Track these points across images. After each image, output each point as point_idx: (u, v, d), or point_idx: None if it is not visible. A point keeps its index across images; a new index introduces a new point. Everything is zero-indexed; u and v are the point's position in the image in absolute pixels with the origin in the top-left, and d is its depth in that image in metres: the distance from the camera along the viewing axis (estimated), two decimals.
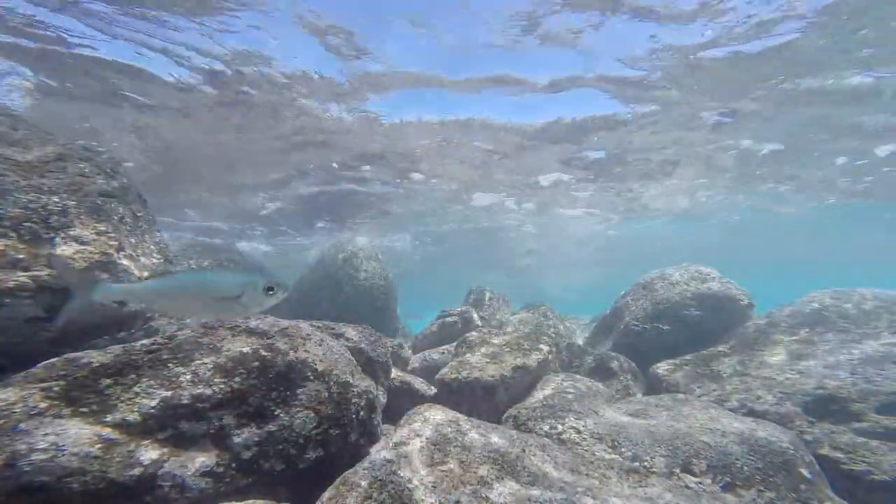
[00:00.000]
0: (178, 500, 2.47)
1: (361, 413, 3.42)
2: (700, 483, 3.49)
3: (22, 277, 3.17)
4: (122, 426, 2.49)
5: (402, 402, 5.10)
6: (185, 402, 2.69)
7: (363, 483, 2.66)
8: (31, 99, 8.10)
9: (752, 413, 5.15)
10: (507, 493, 2.72)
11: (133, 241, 4.30)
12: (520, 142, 10.87)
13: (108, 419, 2.49)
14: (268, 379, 3.02)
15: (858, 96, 8.99)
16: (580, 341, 9.43)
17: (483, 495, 2.66)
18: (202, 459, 2.60)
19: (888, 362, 5.29)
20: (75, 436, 2.35)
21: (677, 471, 3.58)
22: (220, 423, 2.75)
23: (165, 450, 2.53)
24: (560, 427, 4.10)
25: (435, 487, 2.68)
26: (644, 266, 9.96)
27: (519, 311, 11.34)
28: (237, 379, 2.91)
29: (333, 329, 4.65)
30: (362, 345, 4.59)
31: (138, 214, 4.67)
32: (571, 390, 5.27)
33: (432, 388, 5.71)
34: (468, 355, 5.85)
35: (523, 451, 3.31)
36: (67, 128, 8.82)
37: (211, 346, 3.07)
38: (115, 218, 4.16)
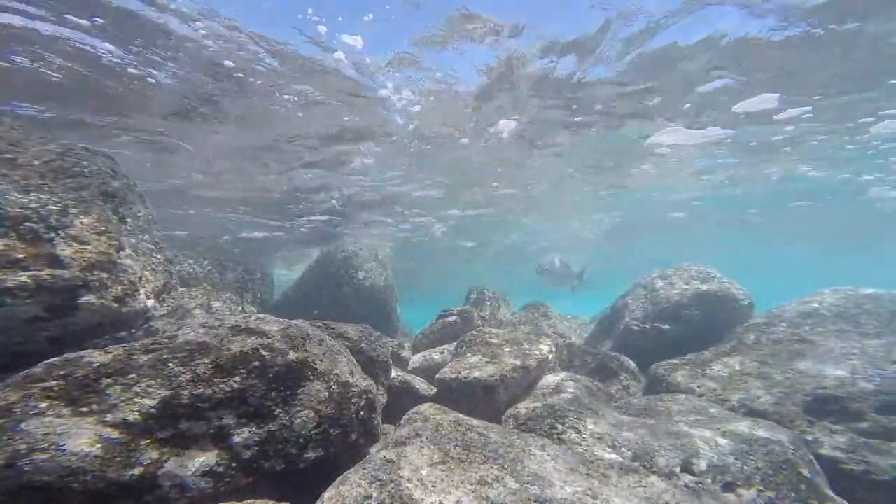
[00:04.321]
0: (178, 499, 2.47)
1: (361, 413, 3.42)
2: (700, 483, 3.49)
3: (22, 277, 3.17)
4: (122, 426, 2.49)
5: (402, 402, 5.10)
6: (185, 401, 2.69)
7: (363, 483, 2.66)
8: None
9: (752, 413, 5.15)
10: (508, 492, 2.72)
11: (133, 240, 4.30)
12: None
13: (108, 419, 2.49)
14: (268, 379, 3.02)
15: None
16: (580, 341, 9.44)
17: (483, 495, 2.66)
18: (202, 459, 2.60)
19: (888, 362, 5.29)
20: (75, 435, 2.35)
21: (677, 470, 3.58)
22: (220, 423, 2.75)
23: (165, 450, 2.53)
24: (560, 427, 4.10)
25: (435, 487, 2.68)
26: None
27: (519, 310, 11.36)
28: (237, 379, 2.91)
29: (333, 329, 4.65)
30: (362, 345, 4.59)
31: (139, 214, 4.67)
32: (571, 390, 5.27)
33: (432, 388, 5.71)
34: (468, 355, 5.85)
35: (523, 450, 3.31)
36: None
37: (211, 346, 3.07)
38: (115, 217, 4.17)
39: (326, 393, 3.20)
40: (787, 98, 9.75)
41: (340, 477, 2.77)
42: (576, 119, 10.57)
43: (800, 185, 16.60)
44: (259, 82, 8.45)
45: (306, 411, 3.05)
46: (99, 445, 2.36)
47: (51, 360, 2.77)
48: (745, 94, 9.57)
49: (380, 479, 2.68)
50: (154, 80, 7.81)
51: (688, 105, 9.99)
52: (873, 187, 16.81)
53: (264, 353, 3.13)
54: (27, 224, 3.39)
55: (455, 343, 6.73)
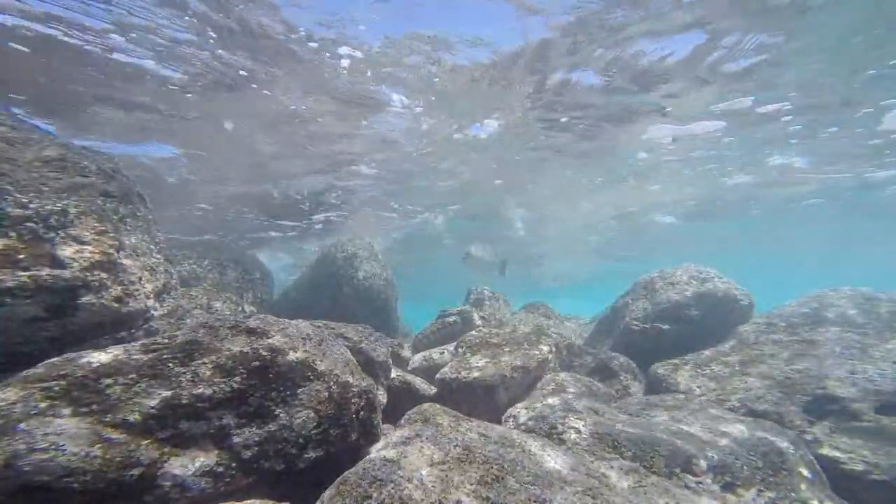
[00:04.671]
0: (179, 499, 2.47)
1: (361, 413, 3.42)
2: (700, 483, 3.49)
3: (22, 277, 3.17)
4: (122, 426, 2.49)
5: (402, 402, 5.10)
6: (185, 401, 2.69)
7: (363, 483, 2.66)
8: None
9: (752, 413, 5.15)
10: (507, 492, 2.72)
11: (133, 240, 4.30)
12: None
13: (108, 419, 2.49)
14: (268, 379, 3.02)
15: None
16: (580, 341, 9.44)
17: (483, 495, 2.66)
18: (202, 459, 2.60)
19: (888, 362, 5.29)
20: (75, 435, 2.35)
21: (677, 470, 3.58)
22: (220, 423, 2.75)
23: (165, 450, 2.53)
24: (560, 427, 4.10)
25: (435, 487, 2.68)
26: None
27: (519, 310, 11.36)
28: (237, 379, 2.91)
29: (333, 329, 4.65)
30: (362, 345, 4.60)
31: (138, 214, 4.67)
32: (572, 390, 5.27)
33: (432, 388, 5.71)
34: (468, 355, 5.85)
35: (523, 451, 3.31)
36: None
37: (211, 346, 3.07)
38: (115, 217, 4.16)
39: (326, 393, 3.20)
40: (762, 97, 9.67)
41: (340, 477, 2.77)
42: (563, 120, 10.58)
43: (807, 186, 16.33)
44: (264, 86, 8.49)
45: (306, 411, 3.05)
46: (99, 445, 2.36)
47: (51, 360, 2.78)
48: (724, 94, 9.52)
49: (380, 480, 2.68)
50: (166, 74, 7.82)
51: (673, 103, 9.92)
52: (891, 185, 16.36)
53: (264, 353, 3.13)
54: (27, 224, 3.39)
55: (455, 343, 6.73)
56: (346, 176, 13.60)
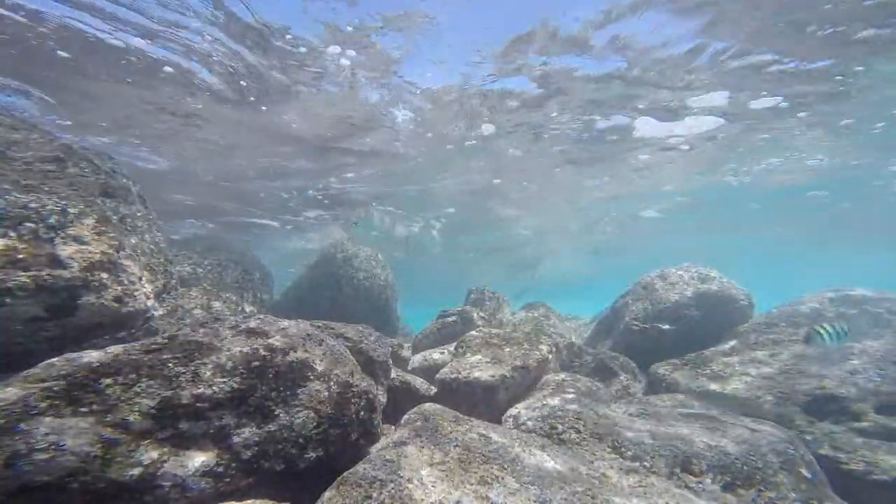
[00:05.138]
0: (178, 499, 2.47)
1: (361, 413, 3.42)
2: (700, 483, 3.49)
3: (22, 277, 3.17)
4: (122, 426, 2.49)
5: (402, 402, 5.10)
6: (185, 401, 2.69)
7: (363, 483, 2.66)
8: None
9: (752, 413, 5.14)
10: (508, 492, 2.72)
11: (133, 240, 4.30)
12: None
13: (108, 419, 2.49)
14: (268, 379, 3.02)
15: None
16: (580, 341, 9.43)
17: (483, 495, 2.66)
18: (202, 459, 2.60)
19: (888, 362, 5.29)
20: (75, 435, 2.35)
21: (677, 470, 3.58)
22: (220, 423, 2.75)
23: (165, 450, 2.53)
24: (560, 427, 4.09)
25: (435, 487, 2.68)
26: None
27: (519, 310, 11.35)
28: (237, 379, 2.91)
29: (333, 329, 4.65)
30: (362, 345, 4.59)
31: (139, 214, 4.67)
32: (572, 390, 5.27)
33: (432, 388, 5.71)
34: (468, 355, 5.85)
35: (523, 450, 3.31)
36: None
37: (211, 346, 3.07)
38: (116, 218, 4.16)
39: (326, 393, 3.20)
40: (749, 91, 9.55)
41: (340, 477, 2.77)
42: (553, 115, 10.57)
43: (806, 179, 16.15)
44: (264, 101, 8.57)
45: (306, 411, 3.05)
46: (99, 445, 2.36)
47: (51, 360, 2.77)
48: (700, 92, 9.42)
49: (380, 480, 2.68)
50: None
51: (669, 97, 9.84)
52: None
53: (264, 353, 3.13)
54: (27, 224, 3.39)
55: (455, 343, 6.72)
56: (339, 176, 13.70)
